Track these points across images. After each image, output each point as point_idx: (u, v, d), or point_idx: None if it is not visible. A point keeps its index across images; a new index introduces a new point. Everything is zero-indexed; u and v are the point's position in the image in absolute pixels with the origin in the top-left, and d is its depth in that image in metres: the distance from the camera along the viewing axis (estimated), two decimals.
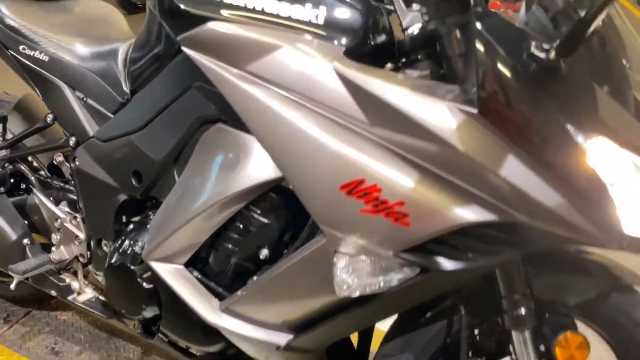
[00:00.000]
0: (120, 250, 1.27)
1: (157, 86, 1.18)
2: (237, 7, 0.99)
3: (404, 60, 1.04)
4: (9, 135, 1.50)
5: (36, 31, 1.33)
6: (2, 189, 1.47)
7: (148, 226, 1.22)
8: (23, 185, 1.52)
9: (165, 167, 1.19)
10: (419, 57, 1.04)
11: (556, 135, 0.78)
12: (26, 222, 1.50)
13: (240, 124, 1.02)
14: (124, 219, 1.33)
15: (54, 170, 1.54)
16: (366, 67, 0.92)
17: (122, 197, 1.30)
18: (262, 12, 0.98)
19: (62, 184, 1.47)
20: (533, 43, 0.78)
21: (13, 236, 1.45)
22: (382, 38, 1.04)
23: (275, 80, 0.95)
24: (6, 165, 1.48)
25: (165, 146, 1.17)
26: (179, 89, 1.12)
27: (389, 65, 1.04)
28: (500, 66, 0.79)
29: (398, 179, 0.87)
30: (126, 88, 1.26)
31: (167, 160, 1.18)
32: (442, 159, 0.84)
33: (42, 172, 1.52)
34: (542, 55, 0.78)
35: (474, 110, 0.79)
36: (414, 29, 1.02)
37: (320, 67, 0.92)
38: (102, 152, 1.30)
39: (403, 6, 1.07)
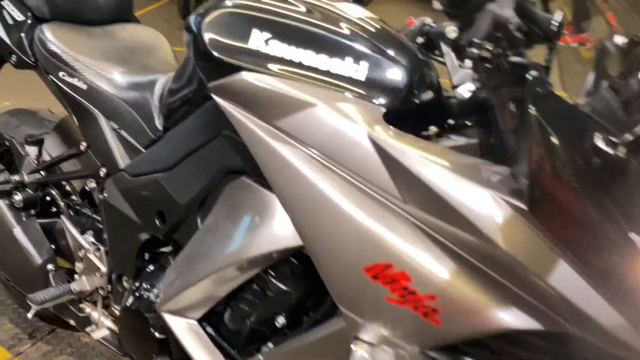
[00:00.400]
0: (137, 294, 1.22)
1: (187, 128, 1.12)
2: (273, 58, 0.92)
3: (450, 121, 0.95)
4: (45, 157, 1.49)
5: (77, 58, 1.31)
6: (32, 211, 1.46)
7: (166, 272, 1.17)
8: (53, 209, 1.51)
9: (189, 211, 1.13)
10: (468, 122, 0.95)
11: (617, 244, 0.66)
12: (53, 246, 1.48)
13: (264, 180, 0.95)
14: (146, 257, 1.28)
15: (85, 195, 1.52)
16: (405, 136, 0.83)
17: (145, 236, 1.25)
18: (299, 64, 0.91)
19: (90, 213, 1.44)
20: (598, 134, 0.67)
21: (38, 261, 1.43)
22: (428, 95, 0.95)
23: (304, 139, 0.88)
24: (38, 188, 1.46)
25: (190, 191, 1.11)
26: (207, 135, 1.06)
27: (433, 128, 0.94)
28: (556, 158, 0.68)
29: (431, 267, 0.77)
30: (159, 124, 1.21)
31: (191, 205, 1.12)
32: (482, 253, 0.73)
33: (73, 197, 1.50)
34: (608, 149, 0.66)
35: (523, 206, 0.69)
36: (465, 91, 0.93)
37: (354, 131, 0.83)
38: (130, 187, 1.26)
39: (455, 62, 0.98)
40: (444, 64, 1.01)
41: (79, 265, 1.41)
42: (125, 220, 1.27)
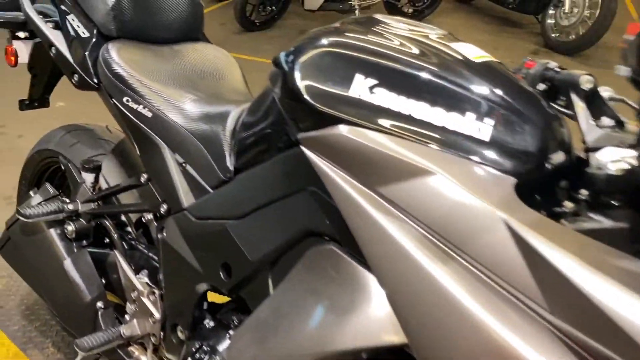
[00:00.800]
0: (194, 350, 1.09)
1: (264, 174, 0.98)
2: (378, 110, 0.77)
3: (584, 192, 0.77)
4: (102, 183, 1.38)
5: (144, 82, 1.19)
6: (84, 242, 1.35)
7: (229, 334, 1.03)
8: (105, 239, 1.40)
9: (260, 270, 0.99)
10: (614, 202, 0.77)
11: None
12: (103, 279, 1.37)
13: (358, 253, 0.79)
14: (205, 310, 1.15)
15: (140, 226, 1.40)
16: (550, 223, 0.66)
17: (206, 286, 1.12)
18: (409, 118, 0.76)
19: (146, 250, 1.32)
20: None
21: (87, 297, 1.31)
22: (560, 158, 0.78)
23: (416, 214, 0.72)
24: (92, 218, 1.35)
25: (262, 247, 0.97)
26: (288, 188, 0.92)
27: (568, 203, 0.77)
28: None
29: None
30: (230, 164, 1.08)
31: (263, 263, 0.98)
32: None
33: (128, 229, 1.39)
34: None
35: None
36: (606, 158, 0.75)
37: (483, 212, 0.67)
38: (192, 230, 1.13)
39: (589, 119, 0.81)
40: (570, 116, 0.84)
41: (130, 307, 1.29)
42: (186, 266, 1.14)
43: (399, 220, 0.73)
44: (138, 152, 1.26)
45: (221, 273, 1.06)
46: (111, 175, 1.39)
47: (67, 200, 1.33)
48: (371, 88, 0.78)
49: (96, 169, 1.34)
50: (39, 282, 1.37)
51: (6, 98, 3.97)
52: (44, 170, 1.73)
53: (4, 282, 2.12)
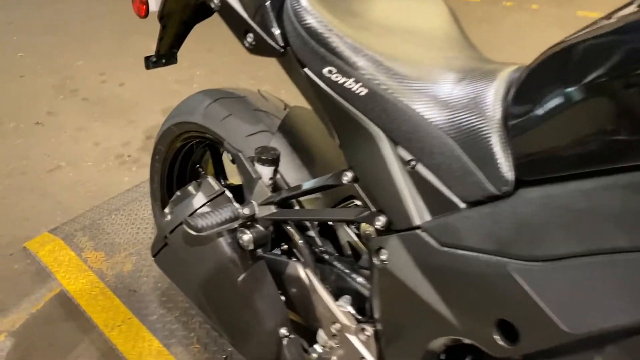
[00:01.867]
0: None
1: (601, 198, 0.61)
2: None
3: None
4: (278, 179, 1.04)
5: (356, 45, 0.82)
6: (259, 251, 1.05)
7: None
8: (282, 245, 1.09)
9: (581, 347, 0.64)
10: None
11: None
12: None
13: None
14: None
15: (326, 232, 1.08)
16: None
17: (452, 340, 0.80)
18: None
19: (346, 269, 1.00)
20: None
21: (268, 321, 1.03)
22: None
23: None
24: (271, 223, 1.03)
25: (592, 314, 0.62)
26: None
27: None
28: None
29: None
30: (507, 170, 0.71)
31: (587, 341, 0.63)
32: None
33: (310, 233, 1.07)
34: None
35: None
36: None
37: None
38: (435, 261, 0.79)
39: None
40: None
41: (325, 340, 0.99)
42: (421, 308, 0.82)
43: None
44: (338, 142, 0.91)
45: (495, 334, 0.72)
46: (285, 167, 1.06)
47: (236, 204, 1.02)
48: None
49: (275, 161, 1.01)
50: (204, 298, 1.10)
51: (103, 45, 3.78)
52: (182, 147, 1.44)
53: (133, 260, 1.91)
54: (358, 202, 1.11)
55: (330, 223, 1.08)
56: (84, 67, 3.32)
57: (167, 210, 1.12)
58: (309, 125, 1.16)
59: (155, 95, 3.02)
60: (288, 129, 1.14)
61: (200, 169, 1.54)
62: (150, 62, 1.48)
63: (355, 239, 1.04)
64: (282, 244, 1.09)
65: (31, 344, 1.69)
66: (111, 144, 2.63)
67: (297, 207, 1.08)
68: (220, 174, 1.46)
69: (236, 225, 1.00)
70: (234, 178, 1.40)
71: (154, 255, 1.17)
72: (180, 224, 1.04)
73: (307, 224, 1.06)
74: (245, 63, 3.34)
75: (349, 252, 1.06)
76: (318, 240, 1.04)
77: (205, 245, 1.03)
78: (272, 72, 3.32)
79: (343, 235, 1.05)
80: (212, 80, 3.17)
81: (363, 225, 1.05)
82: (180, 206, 1.06)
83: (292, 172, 1.06)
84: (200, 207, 1.02)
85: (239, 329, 1.07)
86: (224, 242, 1.02)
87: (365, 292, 0.97)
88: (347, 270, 1.00)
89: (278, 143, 1.11)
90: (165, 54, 1.49)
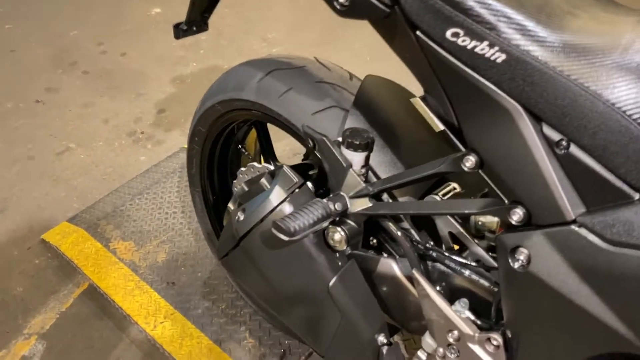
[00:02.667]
0: None
1: None
2: None
3: None
4: (371, 166, 0.87)
5: (497, 6, 0.65)
6: (348, 249, 0.90)
7: None
8: (371, 239, 0.94)
9: None
10: None
11: None
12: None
13: None
14: None
15: (421, 223, 0.93)
16: None
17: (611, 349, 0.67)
18: None
19: (457, 266, 0.85)
20: None
21: (365, 329, 0.89)
22: None
23: None
24: (364, 219, 0.88)
25: None
26: None
27: None
28: None
29: None
30: None
31: None
32: None
33: (404, 225, 0.92)
34: None
35: None
36: None
37: None
38: (598, 261, 0.65)
39: None
40: None
41: (441, 351, 0.85)
42: (579, 318, 0.68)
43: None
44: (455, 119, 0.75)
45: None
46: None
47: (324, 199, 0.86)
48: None
49: (369, 146, 0.85)
50: (286, 306, 0.95)
51: (98, 12, 3.50)
52: (225, 127, 1.27)
53: (167, 249, 1.76)
54: (456, 186, 0.96)
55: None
56: (80, 36, 3.07)
57: (230, 205, 0.96)
58: (390, 98, 0.99)
59: (161, 64, 2.81)
60: (366, 104, 0.97)
61: (244, 150, 1.37)
62: (181, 31, 1.29)
63: (460, 229, 0.89)
64: (371, 238, 0.94)
65: (65, 346, 1.56)
66: (121, 120, 2.44)
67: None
68: (270, 155, 1.30)
69: (326, 224, 0.84)
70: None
71: (221, 258, 1.01)
72: (256, 225, 0.89)
73: (401, 216, 0.91)
74: (250, 22, 3.12)
75: (450, 245, 0.92)
76: (415, 234, 0.89)
77: (289, 247, 0.88)
78: (283, 33, 3.11)
79: (444, 225, 0.90)
80: (221, 44, 2.95)
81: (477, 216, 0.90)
82: (254, 203, 0.90)
83: (376, 157, 0.90)
84: (281, 203, 0.86)
85: (330, 338, 0.94)
86: (309, 243, 0.87)
87: (485, 295, 0.83)
88: (460, 269, 0.86)
89: (355, 121, 0.95)
90: (196, 20, 1.30)
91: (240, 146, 1.37)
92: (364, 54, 2.83)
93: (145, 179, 2.05)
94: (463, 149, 0.85)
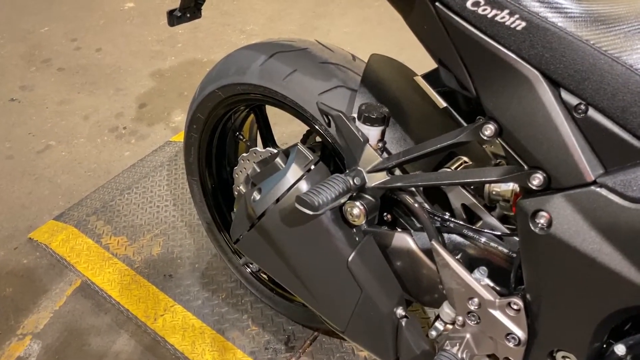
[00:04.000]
0: None
1: None
2: None
3: None
4: (387, 141, 0.88)
5: None
6: (364, 224, 0.91)
7: None
8: (385, 215, 0.95)
9: None
10: None
11: None
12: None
13: None
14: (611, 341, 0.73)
15: (432, 195, 0.94)
16: None
17: (622, 305, 0.70)
18: None
19: (475, 235, 0.87)
20: None
21: (385, 303, 0.90)
22: None
23: None
24: (381, 193, 0.89)
25: None
26: None
27: None
28: None
29: None
30: None
31: None
32: None
33: (418, 199, 0.93)
34: None
35: None
36: None
37: None
38: (620, 219, 0.68)
39: None
40: None
41: (461, 320, 0.87)
42: (602, 276, 0.71)
43: None
44: (473, 88, 0.77)
45: None
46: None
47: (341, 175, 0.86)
48: None
49: (385, 120, 0.86)
50: (306, 282, 0.96)
51: (69, 6, 3.41)
52: (225, 113, 1.26)
53: (161, 242, 1.74)
54: (466, 159, 0.98)
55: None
56: (52, 32, 3.00)
57: (241, 187, 0.96)
58: (395, 76, 1.01)
59: (137, 58, 2.76)
60: (373, 82, 0.98)
61: (241, 137, 1.37)
62: (175, 18, 1.28)
63: (474, 200, 0.91)
64: (385, 214, 0.95)
65: (62, 344, 1.53)
66: (102, 116, 2.40)
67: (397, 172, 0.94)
68: (269, 140, 1.30)
69: (345, 199, 0.85)
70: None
71: (236, 240, 1.01)
72: (275, 202, 0.89)
73: (414, 190, 0.92)
74: (227, 15, 3.10)
75: (463, 216, 0.94)
76: (428, 206, 0.91)
77: (307, 224, 0.89)
78: (261, 24, 3.10)
79: (456, 198, 0.92)
80: (198, 37, 2.92)
81: (490, 185, 0.92)
82: (270, 182, 0.90)
83: (387, 133, 0.91)
84: (299, 180, 0.87)
85: (349, 313, 0.94)
86: (327, 219, 0.88)
87: (502, 262, 0.85)
88: (478, 239, 0.88)
89: (364, 99, 0.96)
90: (190, 7, 1.30)
91: (237, 133, 1.36)
92: (342, 44, 2.85)
93: (132, 173, 2.02)
94: (464, 124, 0.87)
